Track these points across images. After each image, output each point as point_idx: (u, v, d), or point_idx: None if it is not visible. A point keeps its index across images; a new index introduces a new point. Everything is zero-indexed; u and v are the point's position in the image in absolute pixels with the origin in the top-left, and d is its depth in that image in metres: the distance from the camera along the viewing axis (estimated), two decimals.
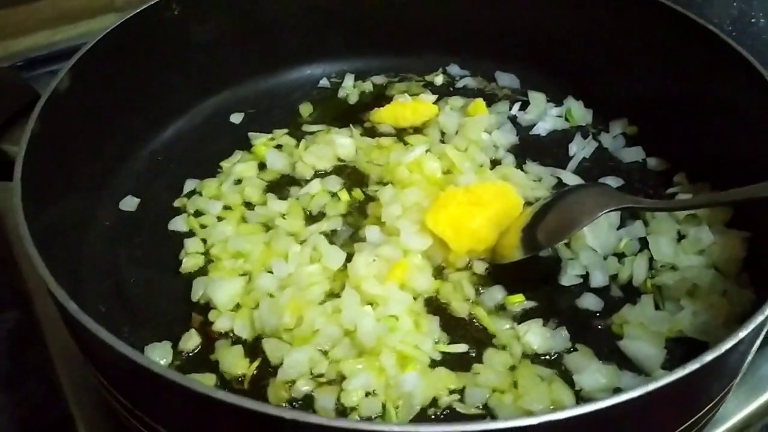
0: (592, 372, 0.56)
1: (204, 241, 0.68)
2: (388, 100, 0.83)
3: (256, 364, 0.58)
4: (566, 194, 0.65)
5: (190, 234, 0.69)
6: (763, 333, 0.50)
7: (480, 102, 0.81)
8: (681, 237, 0.66)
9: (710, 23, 0.69)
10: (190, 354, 0.59)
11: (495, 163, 0.76)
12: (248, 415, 0.38)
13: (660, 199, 0.71)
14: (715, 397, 0.48)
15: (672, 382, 0.40)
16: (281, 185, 0.74)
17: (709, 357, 0.41)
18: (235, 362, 0.58)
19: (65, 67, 0.64)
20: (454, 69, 0.88)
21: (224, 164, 0.76)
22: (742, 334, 0.42)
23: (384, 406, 0.55)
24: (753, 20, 0.71)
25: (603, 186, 0.69)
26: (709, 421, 0.52)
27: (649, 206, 0.64)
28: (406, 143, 0.77)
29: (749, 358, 0.51)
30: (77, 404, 0.62)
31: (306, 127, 0.80)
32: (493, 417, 0.54)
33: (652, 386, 0.39)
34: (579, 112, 0.81)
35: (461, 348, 0.59)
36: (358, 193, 0.73)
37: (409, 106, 0.81)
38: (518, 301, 0.62)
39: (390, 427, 0.39)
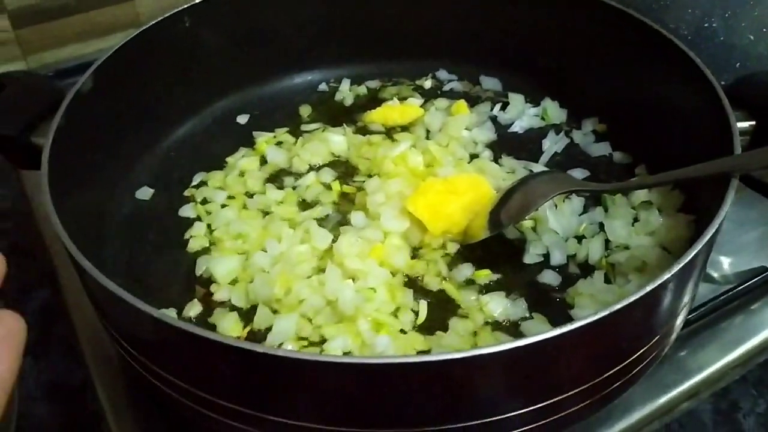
0: None
1: (209, 225, 0.76)
2: (381, 102, 0.91)
3: (249, 327, 0.66)
4: (527, 180, 0.72)
5: (198, 219, 0.77)
6: (690, 290, 0.56)
7: (462, 103, 0.88)
8: (636, 221, 0.73)
9: (668, 27, 0.76)
10: (192, 319, 0.68)
11: (474, 157, 0.83)
12: (243, 354, 0.46)
13: None
14: (646, 343, 0.54)
15: (600, 319, 0.46)
16: (280, 177, 0.82)
17: (632, 298, 0.47)
18: (231, 326, 0.66)
19: (88, 71, 0.72)
20: (442, 74, 0.95)
21: (229, 159, 0.84)
22: (659, 281, 0.48)
23: None
24: (706, 24, 0.77)
25: (558, 173, 0.75)
26: (646, 369, 0.58)
27: (597, 188, 0.70)
28: (394, 140, 0.85)
29: (683, 307, 0.57)
30: (97, 370, 0.70)
31: (304, 127, 0.88)
32: None
33: (582, 321, 0.45)
34: (554, 111, 0.88)
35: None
36: (348, 186, 0.80)
37: (397, 109, 0.89)
38: (484, 275, 0.69)
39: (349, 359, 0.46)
